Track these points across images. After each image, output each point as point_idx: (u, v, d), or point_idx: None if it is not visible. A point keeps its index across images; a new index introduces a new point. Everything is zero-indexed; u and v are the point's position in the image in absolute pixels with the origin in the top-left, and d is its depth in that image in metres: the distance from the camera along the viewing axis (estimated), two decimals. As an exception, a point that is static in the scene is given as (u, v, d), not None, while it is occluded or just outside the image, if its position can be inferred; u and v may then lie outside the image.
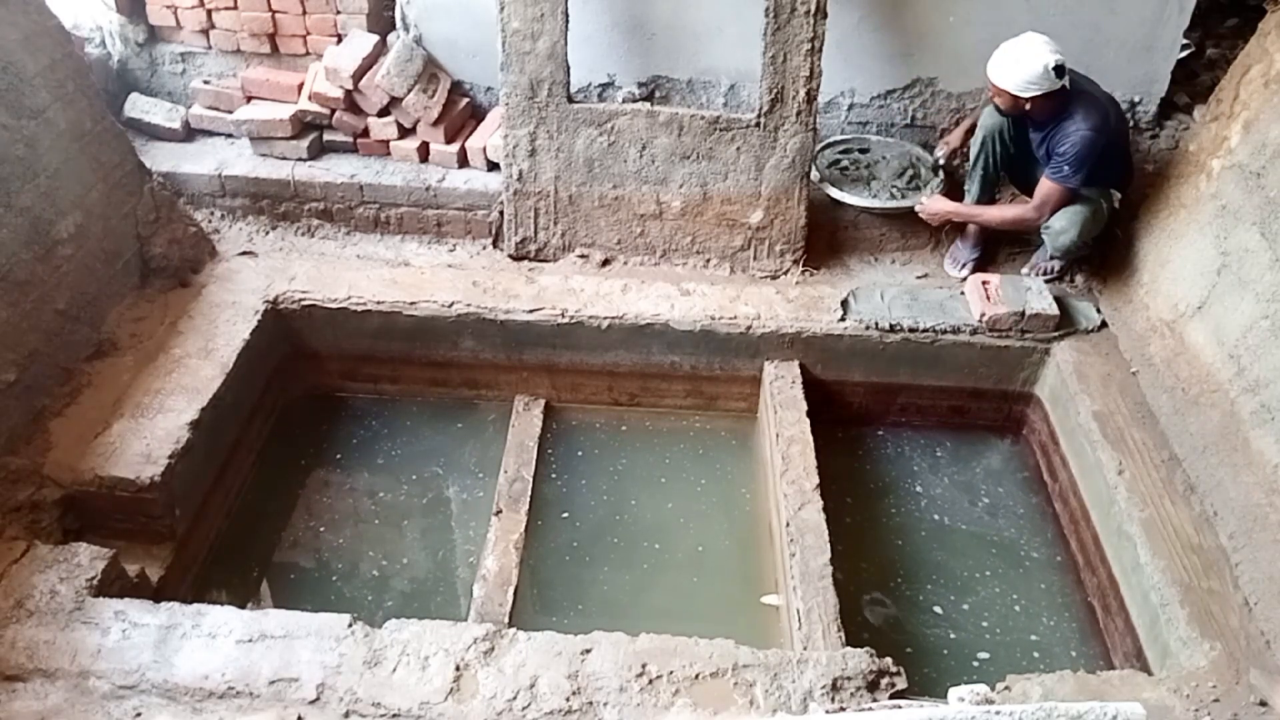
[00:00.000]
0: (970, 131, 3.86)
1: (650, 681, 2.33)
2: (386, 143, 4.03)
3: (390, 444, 3.72)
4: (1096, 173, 3.39)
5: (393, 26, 4.09)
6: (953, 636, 3.10)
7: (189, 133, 4.18)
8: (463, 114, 4.10)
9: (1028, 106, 3.31)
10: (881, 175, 3.99)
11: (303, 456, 3.65)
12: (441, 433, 3.78)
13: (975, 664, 3.02)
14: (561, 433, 3.77)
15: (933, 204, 3.72)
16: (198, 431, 3.00)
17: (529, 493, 3.36)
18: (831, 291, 3.69)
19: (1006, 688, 2.40)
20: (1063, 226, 3.49)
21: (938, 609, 3.17)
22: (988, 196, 3.75)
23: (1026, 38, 3.25)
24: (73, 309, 3.14)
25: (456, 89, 4.13)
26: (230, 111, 4.10)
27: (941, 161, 3.97)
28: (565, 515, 3.44)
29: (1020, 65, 3.21)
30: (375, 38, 3.95)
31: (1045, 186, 3.43)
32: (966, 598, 3.22)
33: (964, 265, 3.79)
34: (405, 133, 4.02)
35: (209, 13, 4.07)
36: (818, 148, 3.96)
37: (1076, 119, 3.30)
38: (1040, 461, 3.67)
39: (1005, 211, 3.69)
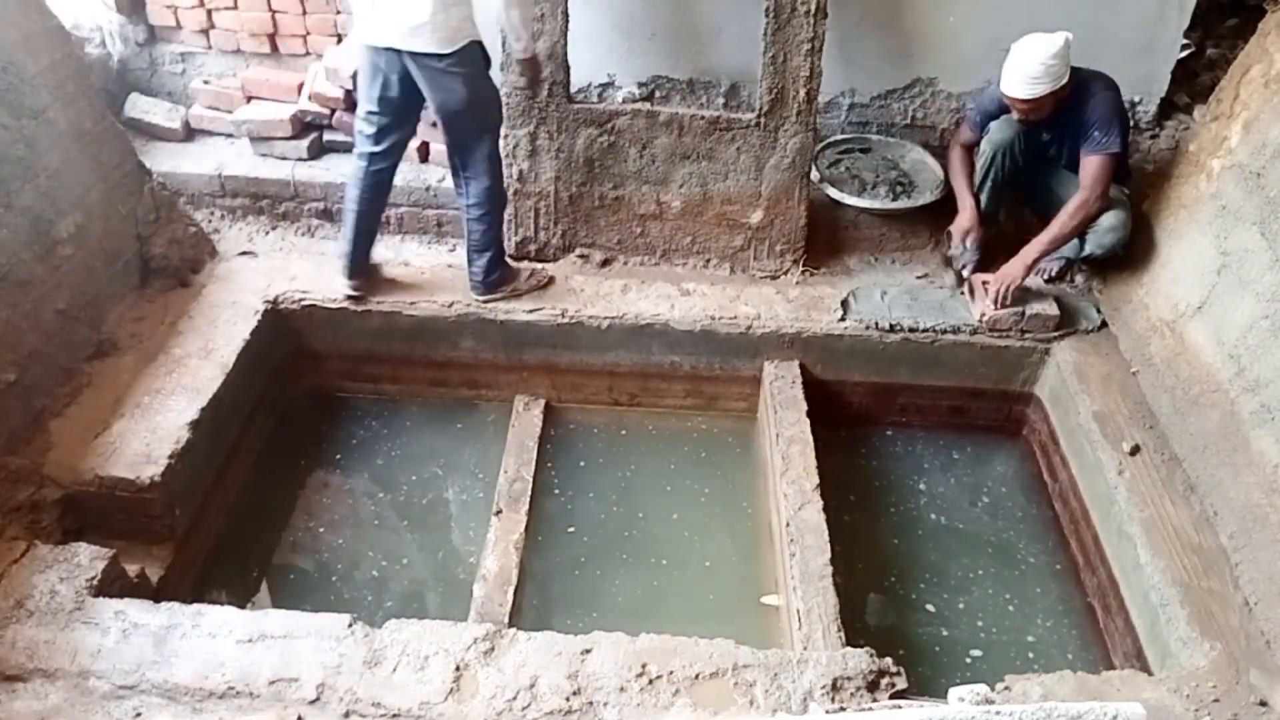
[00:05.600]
0: (975, 207, 3.64)
1: (650, 681, 2.33)
2: (386, 143, 4.02)
3: (390, 444, 3.72)
4: (1124, 138, 3.35)
5: (393, 26, 4.09)
6: (945, 634, 3.10)
7: (189, 133, 4.18)
8: (463, 114, 4.10)
9: (1064, 94, 3.25)
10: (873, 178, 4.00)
11: (303, 456, 3.65)
12: (441, 433, 3.78)
13: (968, 660, 3.02)
14: (561, 433, 3.77)
15: (1010, 269, 3.47)
16: (198, 431, 3.00)
17: (529, 493, 3.35)
18: (831, 291, 3.69)
19: (1006, 688, 2.40)
20: (1112, 224, 3.45)
21: (930, 607, 3.17)
22: (993, 207, 3.72)
23: (1024, 45, 3.19)
24: (73, 309, 3.14)
25: (456, 89, 4.12)
26: (230, 111, 4.10)
27: (967, 272, 3.66)
28: (571, 529, 3.42)
29: (1044, 64, 3.14)
30: (375, 38, 3.95)
31: (1090, 164, 3.34)
32: (962, 597, 3.22)
33: (965, 266, 3.78)
34: (405, 133, 4.02)
35: (209, 13, 4.07)
36: (818, 148, 3.96)
37: (1089, 88, 3.29)
38: (1040, 461, 3.67)
39: (1068, 214, 3.42)
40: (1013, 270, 3.48)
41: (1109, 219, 3.45)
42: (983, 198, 3.67)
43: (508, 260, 3.64)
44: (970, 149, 3.68)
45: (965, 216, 3.61)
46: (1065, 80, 3.22)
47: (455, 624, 2.47)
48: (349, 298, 3.54)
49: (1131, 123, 4.14)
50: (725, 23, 3.91)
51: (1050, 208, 3.55)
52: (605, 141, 3.65)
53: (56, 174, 3.12)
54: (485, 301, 3.57)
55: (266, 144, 4.00)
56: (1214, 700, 2.39)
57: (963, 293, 3.67)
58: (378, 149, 3.31)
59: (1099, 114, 3.29)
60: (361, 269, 3.53)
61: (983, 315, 3.52)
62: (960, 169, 3.66)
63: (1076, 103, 3.31)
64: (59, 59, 3.19)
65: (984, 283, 3.57)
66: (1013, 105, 3.32)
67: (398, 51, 3.04)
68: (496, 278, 3.55)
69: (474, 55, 3.11)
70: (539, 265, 3.76)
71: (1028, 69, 3.18)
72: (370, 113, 3.25)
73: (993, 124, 3.56)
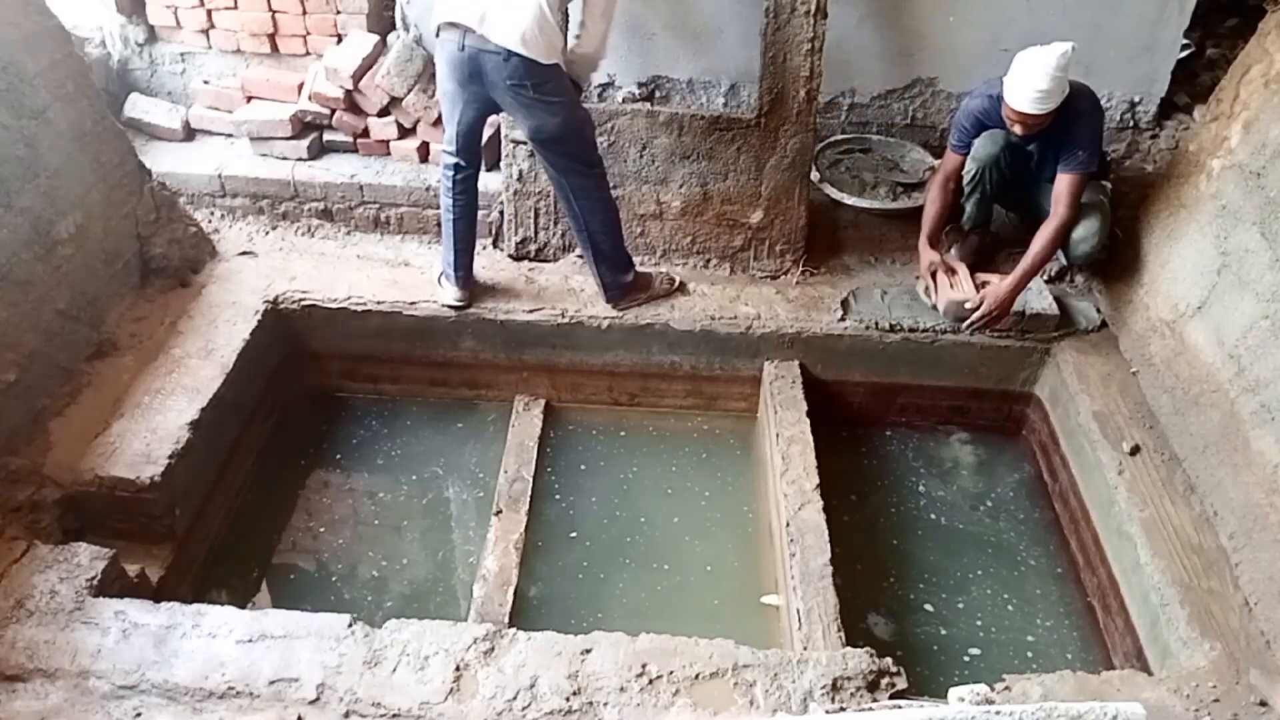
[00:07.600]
0: (944, 233, 3.69)
1: (650, 681, 2.33)
2: (386, 143, 4.03)
3: (390, 444, 3.72)
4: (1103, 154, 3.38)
5: (393, 26, 4.09)
6: (945, 633, 3.10)
7: (189, 133, 4.18)
8: (463, 114, 4.10)
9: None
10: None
11: (303, 456, 3.65)
12: (441, 433, 3.78)
13: (966, 660, 3.01)
14: (561, 433, 3.77)
15: (993, 293, 3.44)
16: (198, 431, 3.00)
17: (529, 493, 3.36)
18: (831, 291, 3.69)
19: (1006, 688, 2.40)
20: (1082, 235, 3.46)
21: (929, 606, 3.17)
22: (984, 216, 3.71)
23: (1031, 59, 3.10)
24: (73, 309, 3.14)
25: (456, 89, 4.12)
26: (230, 111, 4.10)
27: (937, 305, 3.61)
28: (574, 535, 3.42)
29: (1054, 78, 3.07)
30: (375, 38, 3.95)
31: (1066, 180, 3.33)
32: (962, 597, 3.21)
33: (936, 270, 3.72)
34: (405, 133, 4.03)
35: (209, 13, 4.07)
36: (818, 148, 3.96)
37: (1076, 104, 3.25)
38: (1040, 461, 3.67)
39: (1047, 239, 3.40)
40: (1001, 293, 3.42)
41: (1079, 231, 3.46)
42: (972, 204, 3.63)
43: (638, 268, 3.63)
44: (955, 178, 3.56)
45: (924, 260, 3.59)
46: (1066, 92, 3.17)
47: (455, 624, 2.47)
48: (453, 308, 3.56)
49: (1131, 123, 4.15)
50: (725, 23, 3.91)
51: (1037, 217, 3.52)
52: (605, 141, 3.64)
53: (56, 174, 3.12)
54: (621, 310, 3.58)
55: (266, 144, 4.00)
56: (1214, 700, 2.39)
57: (925, 291, 3.62)
58: (462, 157, 3.31)
59: (1087, 135, 3.28)
60: (469, 278, 3.56)
61: (960, 306, 3.47)
62: (936, 202, 3.58)
63: (1064, 117, 3.25)
64: (59, 59, 3.19)
65: (983, 283, 3.57)
66: (1018, 120, 3.21)
67: (478, 56, 2.97)
68: (627, 284, 3.57)
69: (565, 81, 3.10)
70: (665, 269, 3.76)
71: (1039, 83, 3.09)
72: (452, 122, 3.25)
73: (976, 140, 3.48)
